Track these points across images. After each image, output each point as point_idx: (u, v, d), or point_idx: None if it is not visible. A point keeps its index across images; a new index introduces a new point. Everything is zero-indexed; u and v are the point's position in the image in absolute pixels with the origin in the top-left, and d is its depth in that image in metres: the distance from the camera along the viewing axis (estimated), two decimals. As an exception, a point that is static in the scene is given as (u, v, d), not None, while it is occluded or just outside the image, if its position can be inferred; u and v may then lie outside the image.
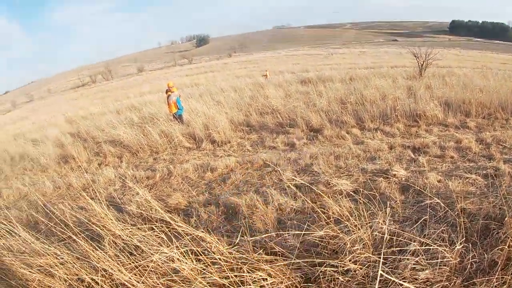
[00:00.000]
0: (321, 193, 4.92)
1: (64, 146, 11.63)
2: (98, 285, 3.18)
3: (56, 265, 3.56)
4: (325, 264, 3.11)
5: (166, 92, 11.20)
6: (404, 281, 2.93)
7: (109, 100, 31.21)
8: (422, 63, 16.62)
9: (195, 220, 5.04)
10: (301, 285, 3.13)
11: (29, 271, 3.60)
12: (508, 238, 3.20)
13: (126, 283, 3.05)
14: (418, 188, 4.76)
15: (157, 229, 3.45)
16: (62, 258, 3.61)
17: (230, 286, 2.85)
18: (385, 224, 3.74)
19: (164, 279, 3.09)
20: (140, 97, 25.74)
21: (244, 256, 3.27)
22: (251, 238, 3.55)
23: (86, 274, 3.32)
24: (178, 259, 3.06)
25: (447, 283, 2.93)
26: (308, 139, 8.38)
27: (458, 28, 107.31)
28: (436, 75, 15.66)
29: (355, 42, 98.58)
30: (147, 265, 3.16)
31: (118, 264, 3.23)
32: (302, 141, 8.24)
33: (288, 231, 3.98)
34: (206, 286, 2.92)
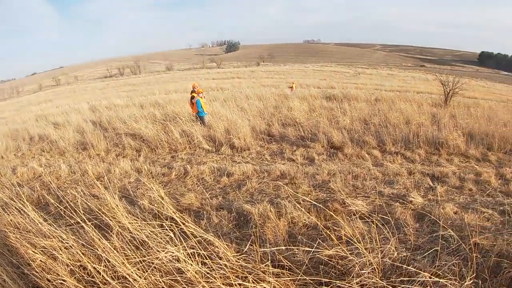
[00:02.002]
0: (335, 212, 4.85)
1: (84, 133, 11.74)
2: (100, 274, 3.12)
3: (60, 249, 3.54)
4: (331, 285, 3.03)
5: (191, 92, 11.22)
6: None
7: (134, 94, 31.61)
8: (448, 91, 16.42)
9: (205, 223, 4.97)
10: (305, 303, 3.04)
11: (33, 251, 3.58)
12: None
13: (128, 277, 3.00)
14: (434, 217, 4.69)
15: (167, 227, 3.38)
16: (67, 243, 3.58)
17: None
18: (397, 251, 3.64)
19: (167, 278, 3.03)
20: (165, 95, 26.00)
21: (250, 265, 3.20)
22: (261, 249, 3.48)
23: (89, 262, 3.27)
24: (184, 260, 3.00)
25: None
26: (328, 155, 8.27)
27: (486, 60, 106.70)
28: (461, 105, 15.44)
29: (383, 64, 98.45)
30: (151, 262, 3.11)
31: (123, 256, 3.18)
32: (321, 156, 8.14)
33: (298, 246, 3.90)
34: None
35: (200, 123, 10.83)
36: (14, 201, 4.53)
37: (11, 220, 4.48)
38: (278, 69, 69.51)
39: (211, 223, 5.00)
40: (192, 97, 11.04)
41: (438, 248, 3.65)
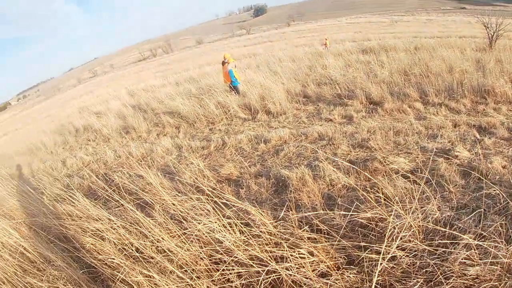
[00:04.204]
0: (376, 172, 4.72)
1: (125, 118, 12.09)
2: (146, 250, 3.24)
3: (107, 230, 3.68)
4: (370, 248, 2.97)
5: (222, 63, 11.18)
6: (452, 275, 2.75)
7: (169, 72, 32.01)
8: (492, 34, 15.28)
9: (244, 191, 5.03)
10: (343, 266, 3.01)
11: (83, 236, 3.75)
12: None
13: (172, 249, 3.09)
14: (480, 173, 4.40)
15: (206, 199, 3.42)
16: (115, 224, 3.72)
17: (270, 261, 2.76)
18: (439, 211, 3.49)
19: (207, 248, 3.09)
20: (199, 69, 26.12)
21: (288, 231, 3.19)
22: (297, 215, 3.45)
23: (136, 240, 3.40)
24: (221, 230, 3.04)
25: (497, 283, 2.67)
26: (367, 112, 8.00)
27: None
28: (507, 48, 14.30)
29: (420, 10, 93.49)
30: (191, 234, 3.18)
31: (165, 231, 3.28)
32: (360, 114, 7.89)
33: (337, 208, 3.84)
34: (246, 259, 2.87)
35: (235, 93, 10.84)
36: (64, 191, 4.75)
37: (64, 209, 4.71)
38: (309, 27, 67.78)
39: (250, 191, 5.03)
40: (224, 68, 11.02)
41: (484, 207, 3.47)
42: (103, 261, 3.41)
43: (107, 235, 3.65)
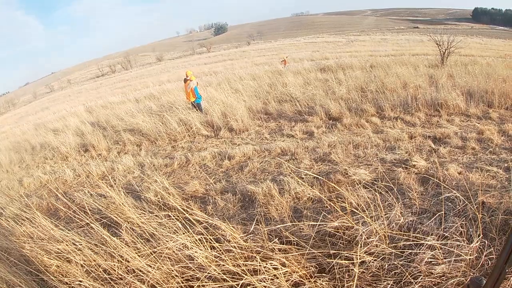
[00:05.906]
0: (338, 183, 4.88)
1: (84, 135, 11.80)
2: (115, 271, 3.19)
3: (73, 251, 3.60)
4: (340, 255, 3.06)
5: (185, 81, 11.23)
6: (419, 275, 2.89)
7: (128, 89, 31.50)
8: (444, 51, 16.27)
9: (211, 208, 5.06)
10: (315, 275, 3.09)
11: (47, 258, 3.65)
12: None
13: (141, 269, 3.07)
14: (438, 180, 4.64)
15: (174, 216, 3.42)
16: (80, 245, 3.64)
17: (243, 275, 2.80)
18: (403, 217, 3.66)
19: (178, 266, 3.09)
20: (159, 86, 25.92)
21: (259, 244, 3.25)
22: (266, 228, 3.52)
23: (103, 260, 3.34)
24: (192, 247, 3.06)
25: (462, 279, 2.85)
26: (327, 127, 8.27)
27: (480, 16, 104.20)
28: (458, 64, 15.20)
29: (375, 30, 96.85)
30: (161, 252, 3.17)
31: (134, 251, 3.24)
32: (320, 129, 8.14)
33: (303, 220, 3.94)
34: (220, 274, 2.90)
35: (197, 110, 10.88)
36: (24, 212, 4.60)
37: (24, 230, 4.54)
38: (269, 46, 68.55)
39: (217, 208, 5.07)
40: (186, 85, 11.05)
41: (444, 210, 3.62)
42: (70, 284, 3.32)
43: (73, 256, 3.57)
